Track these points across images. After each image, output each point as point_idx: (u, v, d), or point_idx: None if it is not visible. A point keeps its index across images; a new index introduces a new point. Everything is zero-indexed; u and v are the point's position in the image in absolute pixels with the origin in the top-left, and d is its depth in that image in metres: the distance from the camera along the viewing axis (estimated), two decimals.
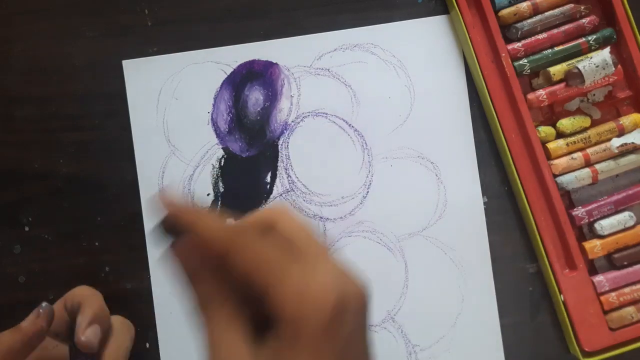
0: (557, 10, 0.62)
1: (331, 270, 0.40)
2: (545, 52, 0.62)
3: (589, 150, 0.62)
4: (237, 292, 0.41)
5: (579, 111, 0.63)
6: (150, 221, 0.62)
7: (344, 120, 0.63)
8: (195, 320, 0.41)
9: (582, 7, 0.62)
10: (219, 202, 0.62)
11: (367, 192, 0.63)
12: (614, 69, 0.60)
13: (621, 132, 0.62)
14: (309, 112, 0.63)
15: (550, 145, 0.62)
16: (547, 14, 0.62)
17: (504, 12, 0.62)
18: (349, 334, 0.39)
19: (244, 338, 0.40)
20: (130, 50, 0.62)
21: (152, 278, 0.62)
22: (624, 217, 0.62)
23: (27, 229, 0.62)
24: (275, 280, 0.38)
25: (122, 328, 0.56)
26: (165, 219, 0.40)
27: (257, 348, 0.39)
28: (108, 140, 0.62)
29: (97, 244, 0.62)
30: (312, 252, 0.41)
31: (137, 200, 0.62)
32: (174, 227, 0.40)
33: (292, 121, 0.63)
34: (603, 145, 0.62)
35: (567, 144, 0.62)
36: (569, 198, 0.63)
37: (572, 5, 0.62)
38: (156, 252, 0.62)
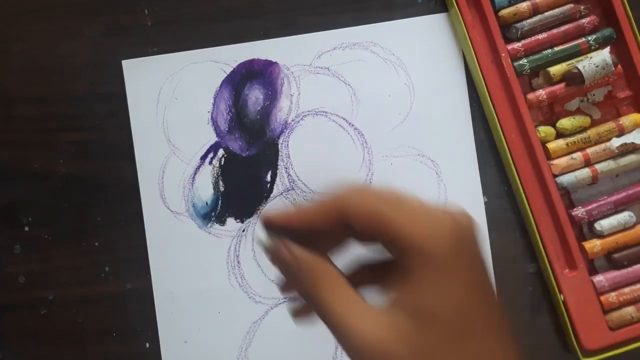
0: (557, 11, 0.62)
1: (437, 206, 0.41)
2: (545, 52, 0.63)
3: (589, 150, 0.62)
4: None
5: (578, 111, 0.63)
6: (150, 221, 0.62)
7: (344, 119, 0.63)
8: (310, 306, 0.43)
9: (582, 7, 0.62)
10: (220, 202, 0.62)
11: None
12: (613, 68, 0.60)
13: (621, 132, 0.62)
14: (309, 111, 0.63)
15: (550, 145, 0.62)
16: (547, 14, 0.62)
17: (504, 12, 0.62)
18: (468, 258, 0.40)
19: (364, 300, 0.41)
20: (130, 50, 0.62)
21: (152, 278, 0.62)
22: (624, 217, 0.62)
23: (27, 229, 0.62)
24: (397, 217, 0.40)
25: None
26: (267, 224, 0.44)
27: (385, 305, 0.41)
28: (108, 140, 0.62)
29: (97, 244, 0.62)
30: (410, 201, 0.42)
31: (137, 200, 0.62)
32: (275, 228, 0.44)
33: (292, 120, 0.63)
34: (603, 145, 0.62)
35: (567, 144, 0.62)
36: (569, 198, 0.63)
37: (572, 5, 0.62)
38: (156, 252, 0.62)
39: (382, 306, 0.41)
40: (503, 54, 0.61)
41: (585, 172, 0.61)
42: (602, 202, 0.62)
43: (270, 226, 0.45)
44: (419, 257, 0.40)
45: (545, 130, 0.62)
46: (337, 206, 0.43)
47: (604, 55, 0.60)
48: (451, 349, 0.40)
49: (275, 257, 0.44)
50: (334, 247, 0.47)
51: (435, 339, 0.40)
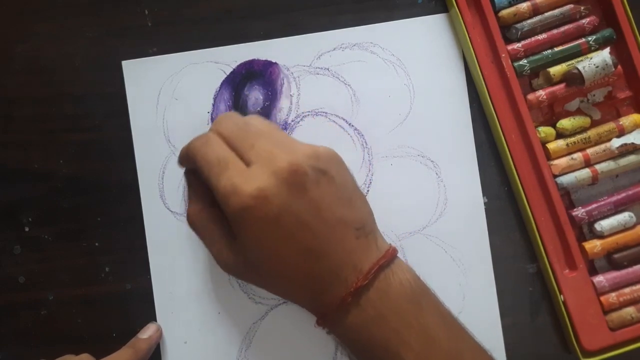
0: (557, 11, 0.62)
1: (256, 158, 0.49)
2: (545, 52, 0.63)
3: (589, 151, 0.62)
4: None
5: (579, 111, 0.63)
6: (150, 222, 0.62)
7: (344, 119, 0.63)
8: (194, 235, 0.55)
9: (582, 8, 0.62)
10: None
11: (368, 190, 0.62)
12: (613, 69, 0.60)
13: (621, 133, 0.62)
14: (309, 112, 0.63)
15: (550, 146, 0.62)
16: (547, 14, 0.62)
17: (504, 13, 0.62)
18: (279, 216, 0.48)
19: (223, 232, 0.52)
20: (130, 50, 0.62)
21: (152, 278, 0.62)
22: (624, 218, 0.62)
23: (27, 229, 0.62)
24: (214, 184, 0.49)
25: None
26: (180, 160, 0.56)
27: (232, 241, 0.52)
28: (108, 141, 0.62)
29: (97, 244, 0.62)
30: (241, 148, 0.50)
31: (137, 201, 0.62)
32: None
33: (292, 120, 0.63)
34: (603, 146, 0.62)
35: (567, 145, 0.62)
36: (569, 198, 0.63)
37: (572, 5, 0.62)
38: (156, 252, 0.62)
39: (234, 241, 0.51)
40: (503, 55, 0.61)
41: (586, 173, 0.61)
42: (602, 203, 0.62)
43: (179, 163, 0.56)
44: (227, 218, 0.49)
45: (545, 131, 0.62)
46: (188, 157, 0.53)
47: (604, 55, 0.60)
48: (268, 285, 0.53)
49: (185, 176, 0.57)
50: None
51: (255, 272, 0.52)
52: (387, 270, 0.51)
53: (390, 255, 0.51)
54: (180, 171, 0.61)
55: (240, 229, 0.49)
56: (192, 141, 0.53)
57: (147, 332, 0.60)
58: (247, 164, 0.49)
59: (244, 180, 0.48)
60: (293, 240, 0.49)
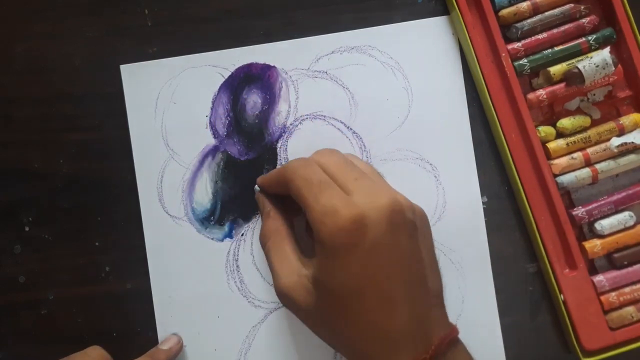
0: (557, 10, 0.62)
1: (358, 189, 0.49)
2: (545, 52, 0.62)
3: (589, 150, 0.62)
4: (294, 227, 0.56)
5: (579, 111, 0.63)
6: (149, 225, 0.62)
7: (342, 123, 0.63)
8: (263, 249, 0.56)
9: (582, 7, 0.62)
10: (219, 205, 0.62)
11: None
12: (614, 68, 0.60)
13: (621, 132, 0.62)
14: (307, 115, 0.63)
15: (550, 145, 0.62)
16: (547, 13, 0.62)
17: (504, 12, 0.62)
18: (371, 249, 0.47)
19: (295, 255, 0.53)
20: (130, 51, 0.62)
21: (151, 282, 0.62)
22: (624, 217, 0.61)
23: (27, 229, 0.62)
24: (311, 202, 0.48)
25: None
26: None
27: (306, 261, 0.51)
28: (108, 140, 0.62)
29: (97, 244, 0.62)
30: (343, 179, 0.50)
31: (137, 200, 0.62)
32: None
33: (291, 124, 0.62)
34: (603, 145, 0.62)
35: (567, 144, 0.61)
36: (569, 198, 0.63)
37: (572, 5, 0.62)
38: (155, 256, 0.62)
39: (307, 263, 0.51)
40: (503, 54, 0.61)
41: (586, 172, 0.61)
42: (603, 202, 0.62)
43: (259, 185, 0.59)
44: (317, 239, 0.48)
45: (545, 130, 0.62)
46: (282, 176, 0.52)
47: (604, 55, 0.60)
48: (339, 316, 0.48)
49: (257, 200, 0.59)
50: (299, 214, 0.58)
51: (325, 303, 0.49)
52: (453, 349, 0.49)
53: (457, 333, 0.51)
54: (178, 174, 0.62)
55: (329, 252, 0.47)
56: (289, 162, 0.53)
57: (167, 344, 0.60)
58: (347, 193, 0.49)
59: (345, 205, 0.47)
60: (377, 280, 0.47)
